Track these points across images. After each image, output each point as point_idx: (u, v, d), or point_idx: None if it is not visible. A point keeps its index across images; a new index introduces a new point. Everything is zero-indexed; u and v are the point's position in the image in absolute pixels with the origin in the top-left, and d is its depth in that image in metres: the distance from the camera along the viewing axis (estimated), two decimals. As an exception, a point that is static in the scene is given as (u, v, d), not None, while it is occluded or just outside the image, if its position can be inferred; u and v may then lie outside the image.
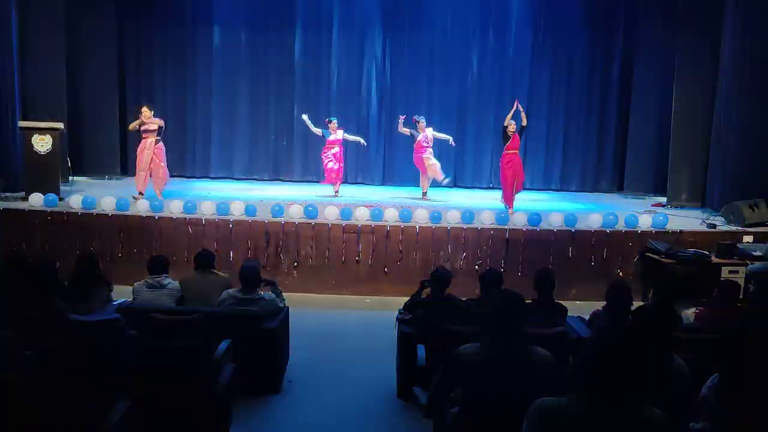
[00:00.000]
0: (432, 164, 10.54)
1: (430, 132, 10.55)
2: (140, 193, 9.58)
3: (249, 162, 12.81)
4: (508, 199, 9.61)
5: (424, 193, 10.77)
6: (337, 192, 10.58)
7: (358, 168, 12.72)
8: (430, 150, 10.58)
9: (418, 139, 10.48)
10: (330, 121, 10.61)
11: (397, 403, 5.05)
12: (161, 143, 9.77)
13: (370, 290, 8.15)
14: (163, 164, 9.79)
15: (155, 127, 9.67)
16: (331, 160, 10.50)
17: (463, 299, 5.29)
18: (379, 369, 5.53)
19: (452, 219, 8.47)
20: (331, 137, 10.50)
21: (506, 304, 3.13)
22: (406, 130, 10.64)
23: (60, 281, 5.35)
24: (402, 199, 10.51)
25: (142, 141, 9.70)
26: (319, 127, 10.67)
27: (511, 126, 9.59)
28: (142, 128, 9.66)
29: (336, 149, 10.50)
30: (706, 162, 10.40)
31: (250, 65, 12.61)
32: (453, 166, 12.45)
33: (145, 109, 9.74)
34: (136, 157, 9.95)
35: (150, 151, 9.62)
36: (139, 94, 12.58)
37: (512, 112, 9.61)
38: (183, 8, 12.52)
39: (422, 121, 10.56)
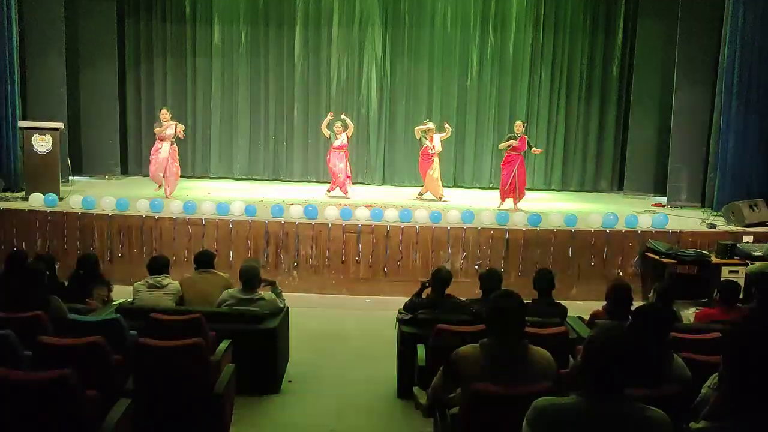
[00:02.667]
0: (434, 180, 10.49)
1: (438, 139, 10.41)
2: (160, 186, 9.84)
3: (249, 162, 12.80)
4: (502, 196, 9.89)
5: (421, 194, 10.74)
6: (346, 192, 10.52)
7: (358, 168, 12.70)
8: (437, 160, 10.47)
9: (425, 145, 10.42)
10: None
11: (397, 403, 5.05)
12: (175, 144, 9.96)
13: (370, 290, 8.15)
14: (177, 165, 10.02)
15: (173, 130, 9.84)
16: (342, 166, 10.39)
17: (463, 299, 5.29)
18: (379, 369, 5.53)
19: (452, 219, 8.47)
20: (338, 143, 10.30)
21: (505, 304, 3.13)
22: (418, 133, 10.51)
23: (60, 281, 5.38)
24: (402, 199, 10.51)
25: (159, 142, 9.86)
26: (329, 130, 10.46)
27: (519, 127, 9.81)
28: (158, 130, 9.84)
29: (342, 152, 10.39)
30: (706, 162, 10.40)
31: (250, 64, 12.62)
32: (453, 166, 12.47)
33: (164, 111, 9.93)
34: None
35: (167, 154, 9.80)
36: (139, 94, 12.62)
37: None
38: (183, 8, 12.52)
39: (431, 128, 10.45)
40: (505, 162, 9.86)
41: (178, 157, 10.06)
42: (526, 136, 9.90)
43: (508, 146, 9.77)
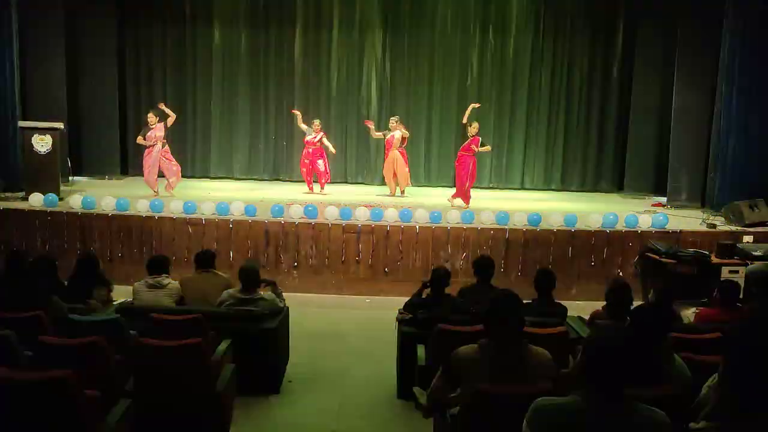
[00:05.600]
0: (403, 173, 10.69)
1: (398, 134, 10.57)
2: (156, 192, 9.87)
3: (249, 162, 12.81)
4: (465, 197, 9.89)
5: (402, 191, 10.85)
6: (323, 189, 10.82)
7: (358, 168, 12.73)
8: (393, 155, 10.63)
9: (387, 138, 10.66)
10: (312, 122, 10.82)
11: (397, 403, 5.05)
12: (167, 146, 10.08)
13: (370, 290, 8.15)
14: (174, 161, 10.14)
15: (162, 132, 9.94)
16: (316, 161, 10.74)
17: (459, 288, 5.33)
18: (379, 369, 5.53)
19: (452, 219, 8.47)
20: (310, 137, 10.66)
21: (505, 305, 3.13)
22: (379, 134, 10.83)
23: (60, 281, 5.37)
24: (402, 199, 10.52)
25: (150, 148, 9.97)
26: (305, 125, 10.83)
27: (474, 128, 9.83)
28: (148, 135, 9.89)
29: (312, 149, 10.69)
30: (706, 162, 10.40)
31: (250, 65, 12.62)
32: (452, 166, 12.46)
33: (150, 116, 9.99)
34: (141, 159, 10.19)
35: (158, 155, 9.89)
36: (139, 94, 12.62)
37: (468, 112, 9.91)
38: (183, 8, 12.52)
39: (392, 122, 10.67)
40: (459, 163, 9.94)
41: (172, 156, 10.14)
42: (479, 138, 9.90)
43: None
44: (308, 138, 10.64)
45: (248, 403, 4.76)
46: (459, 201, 9.90)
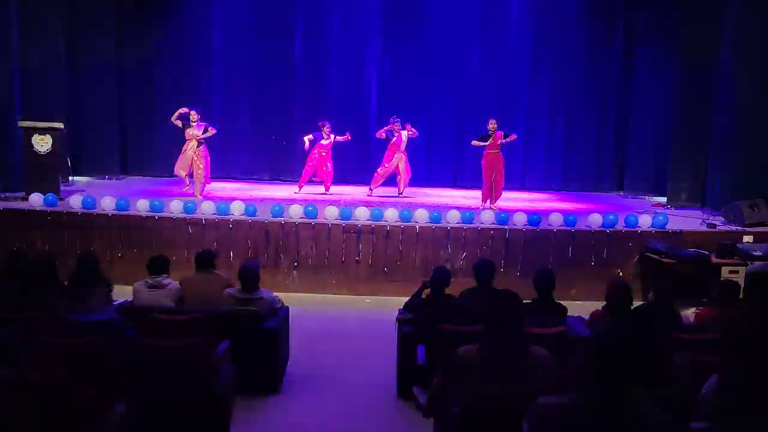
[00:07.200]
0: (378, 174, 10.75)
1: (404, 135, 10.59)
2: (188, 184, 10.13)
3: (249, 162, 12.82)
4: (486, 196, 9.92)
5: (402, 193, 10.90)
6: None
7: (358, 168, 12.72)
8: (399, 155, 10.65)
9: (393, 140, 10.63)
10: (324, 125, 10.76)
11: (397, 403, 5.05)
12: (204, 146, 10.14)
13: (370, 290, 8.15)
14: (202, 166, 10.16)
15: (199, 131, 10.08)
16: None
17: (460, 290, 5.32)
18: (379, 369, 5.53)
19: (452, 219, 8.47)
20: (326, 141, 10.68)
21: (504, 304, 3.13)
22: (383, 134, 10.77)
23: (60, 281, 5.37)
24: (401, 198, 10.53)
25: (186, 143, 10.11)
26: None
27: (492, 125, 9.80)
28: (187, 131, 10.03)
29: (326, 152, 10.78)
30: (706, 162, 10.40)
31: (250, 65, 12.63)
32: (452, 166, 12.47)
33: (193, 113, 10.12)
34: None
35: (192, 153, 10.02)
36: (140, 95, 12.63)
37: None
38: (183, 8, 12.54)
39: (396, 124, 10.62)
40: (486, 162, 9.88)
41: (204, 158, 10.18)
42: (501, 132, 9.87)
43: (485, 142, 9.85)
44: (324, 142, 10.65)
45: (248, 403, 4.75)
46: (499, 204, 9.90)
